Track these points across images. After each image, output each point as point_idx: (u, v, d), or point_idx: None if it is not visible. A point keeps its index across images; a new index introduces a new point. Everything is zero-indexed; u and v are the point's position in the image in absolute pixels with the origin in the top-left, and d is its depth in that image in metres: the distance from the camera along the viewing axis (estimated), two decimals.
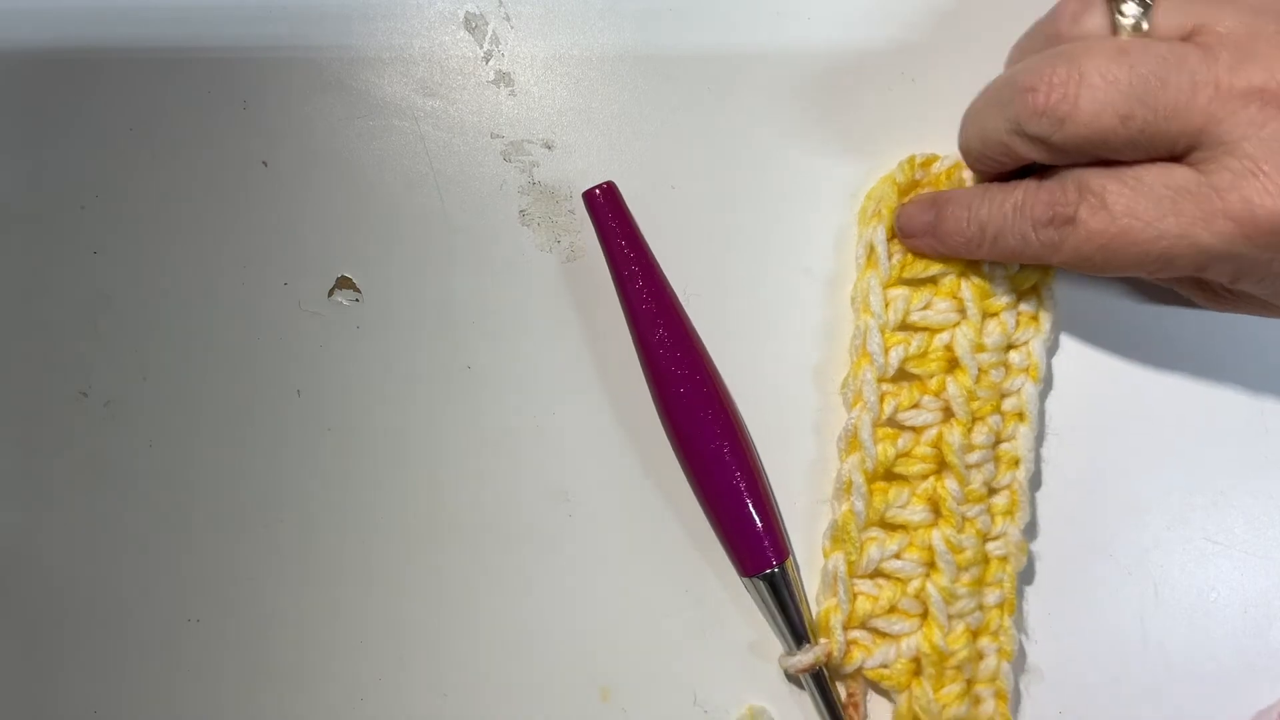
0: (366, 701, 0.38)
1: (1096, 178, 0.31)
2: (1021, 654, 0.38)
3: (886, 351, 0.36)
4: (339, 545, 0.38)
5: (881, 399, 0.36)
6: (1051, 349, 0.38)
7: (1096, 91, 0.30)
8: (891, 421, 0.37)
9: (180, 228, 0.39)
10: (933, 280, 0.37)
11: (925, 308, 0.37)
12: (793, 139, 0.39)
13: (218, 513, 0.39)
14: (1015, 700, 0.37)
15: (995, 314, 0.37)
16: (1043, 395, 0.38)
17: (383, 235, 0.39)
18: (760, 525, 0.36)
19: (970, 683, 0.36)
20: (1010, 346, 0.37)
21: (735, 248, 0.39)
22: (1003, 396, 0.37)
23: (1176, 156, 0.30)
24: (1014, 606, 0.37)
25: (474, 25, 0.40)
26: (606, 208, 0.36)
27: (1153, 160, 0.31)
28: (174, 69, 0.40)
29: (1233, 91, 0.29)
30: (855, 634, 0.36)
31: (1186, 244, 0.30)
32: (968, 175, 0.37)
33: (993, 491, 0.37)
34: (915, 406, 0.37)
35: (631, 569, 0.38)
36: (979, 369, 0.36)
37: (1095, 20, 0.32)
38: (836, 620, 0.36)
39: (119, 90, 0.40)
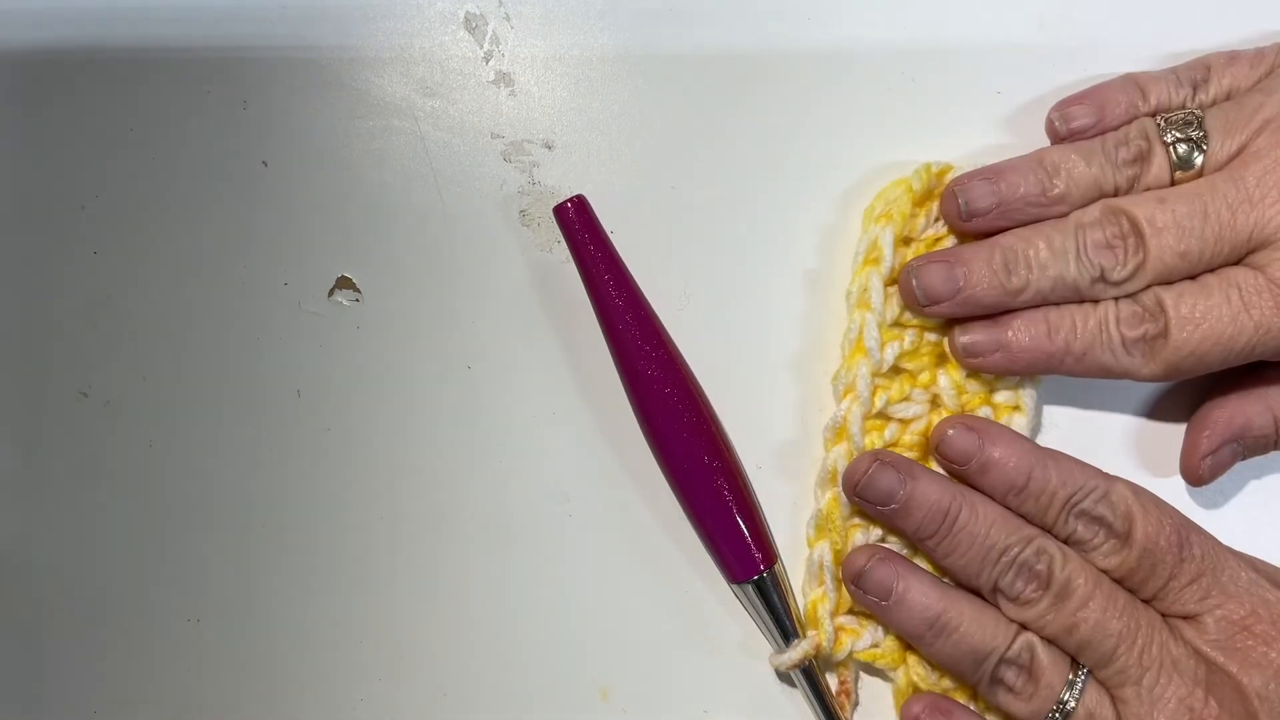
0: (366, 701, 0.38)
1: (1170, 294, 0.34)
2: None
3: (883, 347, 0.37)
4: (339, 545, 0.38)
5: (874, 392, 0.37)
6: None
7: (1154, 240, 0.34)
8: (880, 413, 0.37)
9: (180, 228, 0.39)
10: None
11: None
12: (792, 139, 0.39)
13: (218, 513, 0.39)
14: None
15: None
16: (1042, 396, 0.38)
17: (383, 235, 0.39)
18: (746, 533, 0.36)
19: None
20: None
21: (734, 248, 0.39)
22: (993, 390, 0.37)
23: (1236, 261, 0.34)
24: None
25: (474, 25, 0.40)
26: (578, 222, 0.36)
27: (1212, 269, 0.34)
28: (174, 69, 0.40)
29: (1265, 201, 0.33)
30: (842, 620, 0.37)
31: (1265, 335, 0.33)
32: None
33: None
34: (905, 399, 0.37)
35: (632, 568, 0.38)
36: None
37: (1156, 165, 0.35)
38: (824, 610, 0.36)
39: (119, 90, 0.40)
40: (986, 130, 0.39)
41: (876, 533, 0.37)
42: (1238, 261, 0.34)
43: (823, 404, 0.38)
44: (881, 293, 0.37)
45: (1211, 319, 0.33)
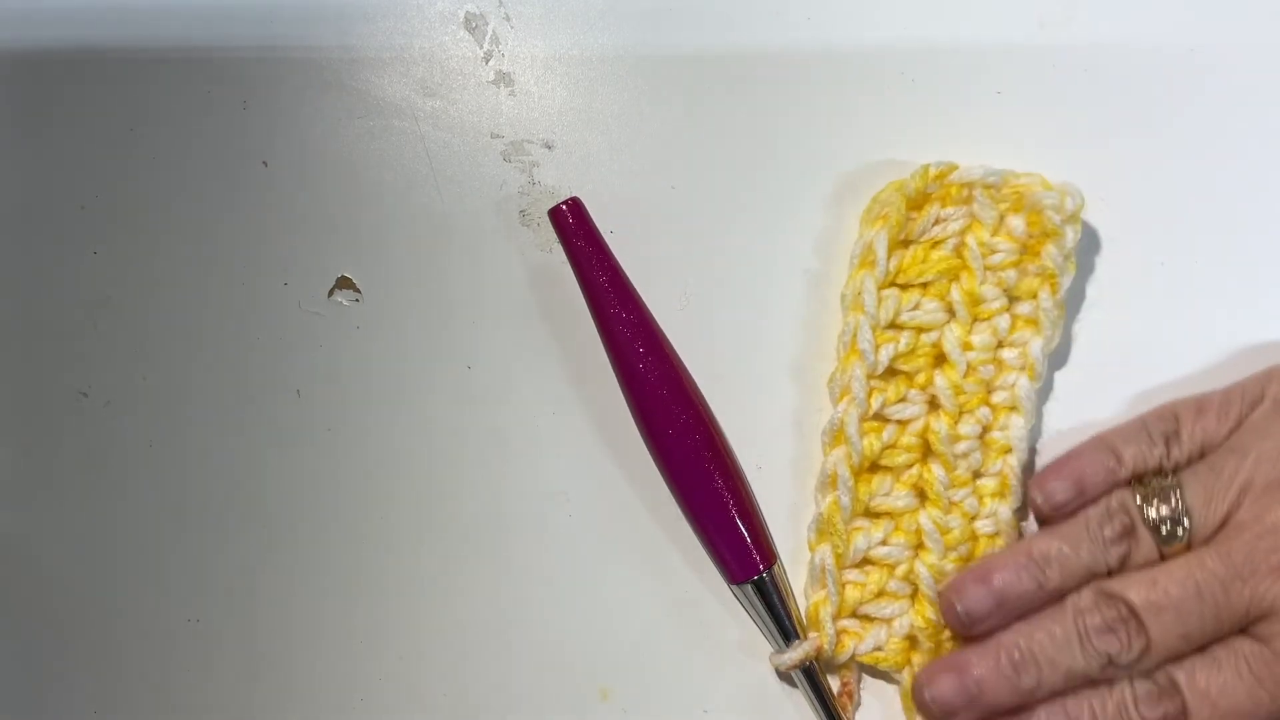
0: (366, 701, 0.38)
1: (1183, 673, 0.34)
2: None
3: (877, 349, 0.37)
4: (339, 545, 0.38)
5: (869, 394, 0.37)
6: (1052, 351, 0.38)
7: (1154, 622, 0.33)
8: (877, 415, 0.37)
9: (180, 228, 0.39)
10: (923, 284, 0.37)
11: (915, 308, 0.37)
12: (792, 139, 0.39)
13: (218, 513, 0.39)
14: None
15: (986, 318, 0.37)
16: (1042, 395, 0.38)
17: (383, 235, 0.39)
18: (745, 534, 0.36)
19: None
20: (1001, 345, 0.37)
21: (734, 248, 0.39)
22: (992, 390, 0.37)
23: (1238, 630, 0.34)
24: None
25: (474, 25, 0.40)
26: (573, 225, 0.36)
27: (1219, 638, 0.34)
28: (174, 69, 0.40)
29: (1256, 576, 0.33)
30: (844, 623, 0.37)
31: None
32: (980, 193, 0.37)
33: (979, 476, 0.37)
34: (902, 400, 0.37)
35: (632, 568, 0.38)
36: (967, 365, 0.37)
37: (1144, 543, 0.35)
38: (826, 612, 0.36)
39: (119, 90, 0.40)
40: (986, 130, 0.39)
41: (878, 535, 0.37)
42: (1242, 629, 0.34)
43: (822, 405, 0.38)
44: (875, 296, 0.37)
45: (1229, 694, 0.33)
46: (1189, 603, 0.33)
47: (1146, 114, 0.39)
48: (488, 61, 0.40)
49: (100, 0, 0.40)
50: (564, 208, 0.36)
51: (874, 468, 0.37)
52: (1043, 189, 0.37)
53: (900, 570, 0.37)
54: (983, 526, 0.37)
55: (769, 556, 0.36)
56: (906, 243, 0.37)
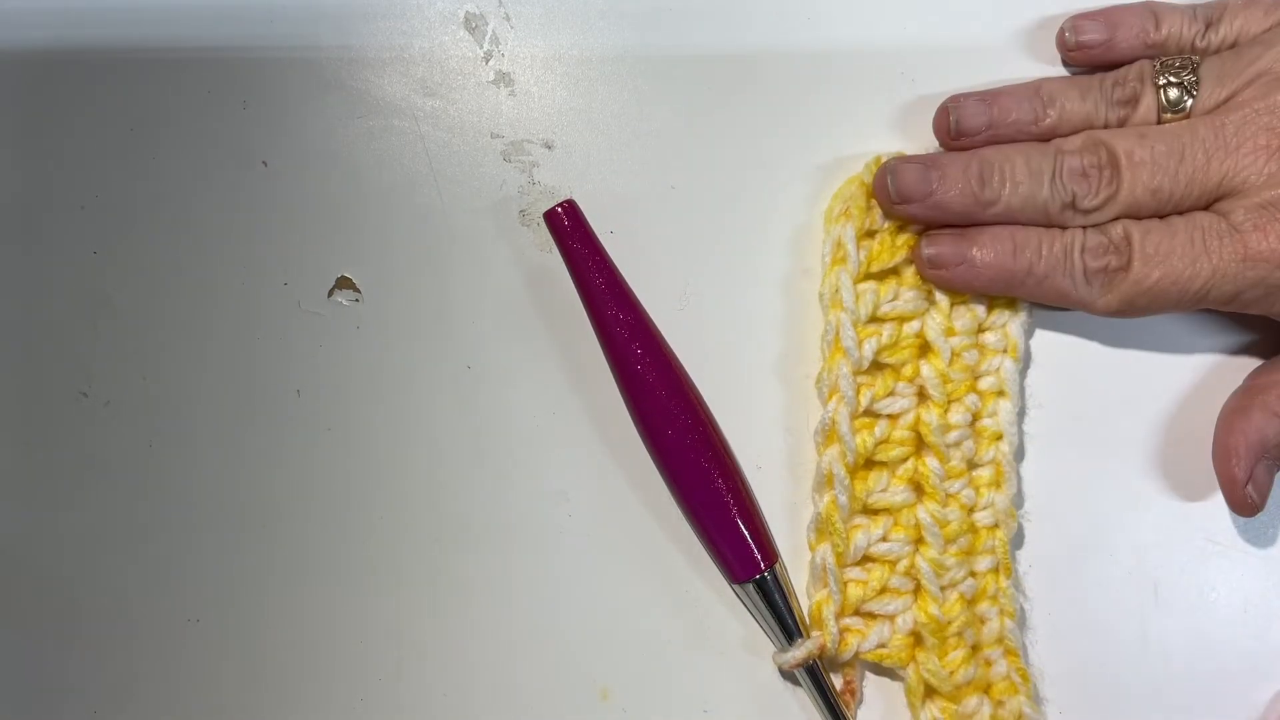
0: (366, 701, 0.38)
1: (1138, 230, 0.35)
2: (1024, 637, 0.38)
3: (860, 344, 0.37)
4: (339, 545, 0.38)
5: (857, 390, 0.37)
6: (1030, 331, 0.38)
7: (1129, 174, 0.35)
8: (867, 411, 0.37)
9: (180, 228, 0.39)
10: (896, 272, 0.37)
11: (894, 299, 0.37)
12: (792, 139, 0.39)
13: (218, 513, 0.39)
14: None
15: (964, 301, 0.37)
16: (1039, 394, 0.38)
17: (383, 235, 0.39)
18: (746, 533, 0.36)
19: (976, 648, 0.37)
20: (982, 329, 0.37)
21: (734, 247, 0.39)
22: (977, 377, 0.37)
23: (1204, 206, 0.35)
24: (1010, 569, 0.37)
25: (474, 25, 0.40)
26: (569, 227, 0.36)
27: (1180, 212, 0.35)
28: (174, 69, 0.40)
29: (1240, 150, 0.34)
30: (847, 621, 0.37)
31: (1220, 280, 0.34)
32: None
33: (973, 466, 0.37)
34: (890, 394, 0.37)
35: (632, 568, 0.38)
36: (951, 352, 0.37)
37: (1144, 105, 0.36)
38: (829, 611, 0.36)
39: (119, 90, 0.40)
40: None
41: (877, 532, 0.37)
42: (1205, 207, 0.35)
43: (820, 404, 0.38)
44: (853, 291, 0.37)
45: (1173, 259, 0.34)
46: (1169, 161, 0.34)
47: None
48: (488, 61, 0.40)
49: (101, 0, 0.40)
50: (559, 210, 0.36)
51: (869, 464, 0.37)
52: None
53: (901, 566, 0.37)
54: (981, 518, 0.37)
55: (770, 555, 0.36)
56: (872, 233, 0.38)
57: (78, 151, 0.40)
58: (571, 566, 0.38)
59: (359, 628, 0.38)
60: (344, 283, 0.39)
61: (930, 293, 0.37)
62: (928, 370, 0.37)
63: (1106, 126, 0.36)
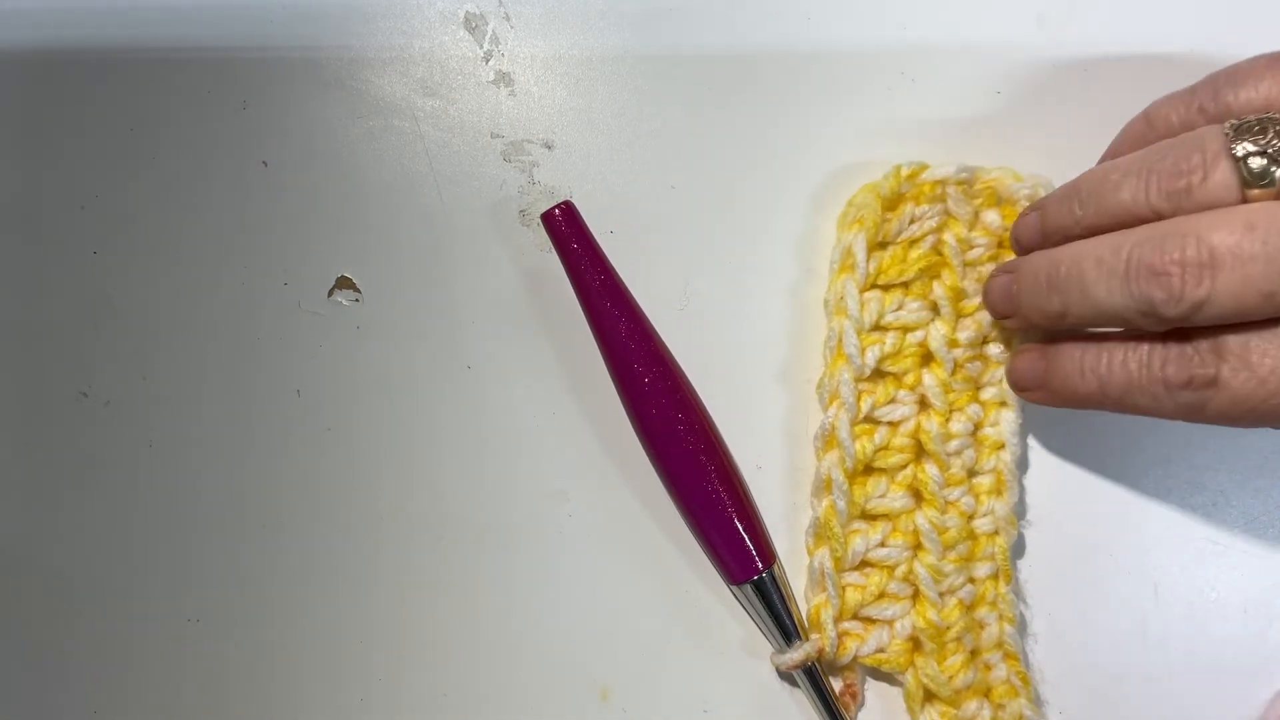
0: (366, 701, 0.38)
1: (1234, 337, 0.29)
2: (1024, 640, 0.38)
3: (863, 352, 0.37)
4: (339, 545, 0.38)
5: (858, 397, 0.37)
6: None
7: (1233, 274, 0.28)
8: (868, 418, 0.37)
9: (180, 227, 0.39)
10: (904, 284, 0.37)
11: (898, 309, 0.37)
12: (792, 139, 0.39)
13: (218, 513, 0.39)
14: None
15: (970, 313, 0.37)
16: None
17: (383, 235, 0.39)
18: (744, 534, 0.36)
19: (975, 652, 0.37)
20: (986, 340, 0.37)
21: (735, 248, 0.39)
22: (980, 387, 0.37)
23: None
24: (1010, 575, 0.37)
25: (474, 25, 0.40)
26: (566, 229, 0.36)
27: None
28: (174, 69, 0.40)
29: None
30: (846, 625, 0.37)
31: None
32: (953, 190, 0.37)
33: (974, 474, 0.37)
34: (891, 402, 0.37)
35: (631, 568, 0.38)
36: (954, 362, 0.37)
37: (1221, 175, 0.29)
38: (828, 615, 0.36)
39: (119, 90, 0.40)
40: (986, 130, 0.39)
41: (876, 537, 0.37)
42: None
43: (820, 408, 0.38)
44: (858, 299, 0.37)
45: (1276, 374, 0.28)
46: (1269, 252, 0.27)
47: None
48: (488, 61, 0.40)
49: (101, 0, 0.40)
50: (556, 212, 0.36)
51: (868, 470, 0.37)
52: (1014, 181, 0.37)
53: (900, 571, 0.37)
54: (981, 525, 0.37)
55: (768, 557, 0.36)
56: (884, 244, 0.37)
57: (78, 151, 0.40)
58: (571, 566, 0.38)
59: (358, 627, 0.38)
60: (344, 283, 0.39)
61: (935, 305, 0.37)
62: (930, 379, 0.37)
63: (1159, 214, 0.30)
